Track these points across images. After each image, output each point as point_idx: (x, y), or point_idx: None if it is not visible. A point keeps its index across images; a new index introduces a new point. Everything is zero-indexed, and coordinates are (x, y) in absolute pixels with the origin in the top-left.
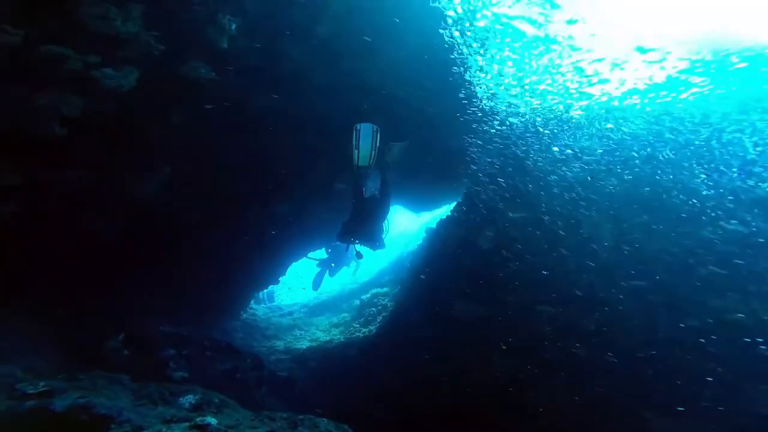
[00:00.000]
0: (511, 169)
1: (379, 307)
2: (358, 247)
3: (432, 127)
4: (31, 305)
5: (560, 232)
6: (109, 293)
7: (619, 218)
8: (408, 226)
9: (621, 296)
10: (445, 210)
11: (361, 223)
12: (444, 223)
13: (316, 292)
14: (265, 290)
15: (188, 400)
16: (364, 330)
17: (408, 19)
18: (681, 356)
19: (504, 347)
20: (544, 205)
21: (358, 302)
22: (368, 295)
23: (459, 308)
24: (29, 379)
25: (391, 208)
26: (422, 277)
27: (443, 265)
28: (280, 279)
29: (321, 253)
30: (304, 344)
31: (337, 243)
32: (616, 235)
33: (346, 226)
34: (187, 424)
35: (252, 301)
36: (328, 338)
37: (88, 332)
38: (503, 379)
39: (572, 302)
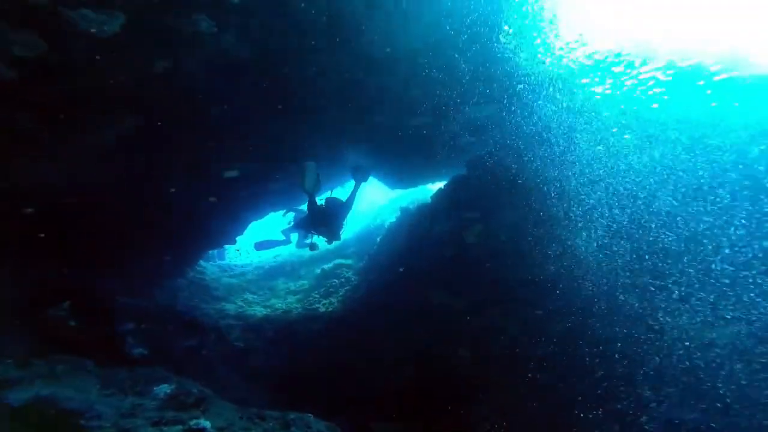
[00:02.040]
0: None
1: (342, 280)
2: (315, 239)
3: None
4: None
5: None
6: (50, 251)
7: None
8: (376, 199)
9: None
10: (421, 189)
11: (320, 223)
12: (428, 209)
13: (256, 252)
14: (214, 249)
15: (163, 390)
16: (324, 302)
17: None
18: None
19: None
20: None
21: (319, 271)
22: (331, 265)
23: (434, 298)
24: None
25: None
26: (401, 270)
27: (423, 253)
28: (237, 239)
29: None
30: (257, 311)
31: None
32: None
33: (305, 222)
34: (180, 427)
35: (201, 259)
36: (285, 307)
37: (26, 299)
38: (465, 368)
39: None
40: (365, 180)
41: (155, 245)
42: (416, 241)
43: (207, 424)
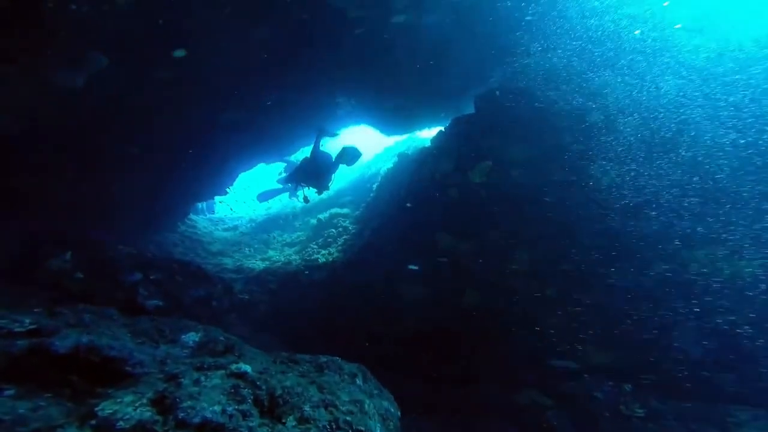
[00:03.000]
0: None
1: (340, 229)
2: (307, 192)
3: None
4: None
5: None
6: (36, 201)
7: None
8: (369, 145)
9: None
10: (417, 135)
11: (312, 174)
12: (430, 150)
13: (259, 203)
14: (203, 202)
15: (191, 338)
16: (323, 252)
17: None
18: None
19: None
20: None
21: (314, 221)
22: (327, 215)
23: (440, 241)
24: (5, 315)
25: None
26: (408, 205)
27: (427, 195)
28: (228, 189)
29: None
30: (257, 264)
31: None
32: None
33: (297, 174)
34: (222, 372)
35: (190, 213)
36: (283, 259)
37: (24, 250)
38: (472, 311)
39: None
40: (352, 162)
41: (142, 195)
42: (419, 184)
43: (247, 368)
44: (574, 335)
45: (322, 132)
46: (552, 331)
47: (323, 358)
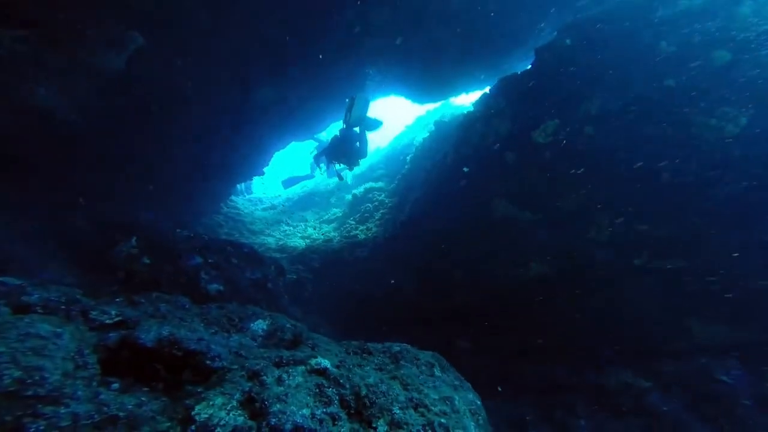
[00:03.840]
0: None
1: (376, 203)
2: (338, 167)
3: None
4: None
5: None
6: (92, 188)
7: None
8: (398, 117)
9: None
10: (451, 102)
11: (345, 150)
12: (477, 113)
13: (285, 189)
14: (243, 183)
15: (259, 326)
16: (361, 227)
17: None
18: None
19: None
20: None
21: (350, 197)
22: (361, 190)
23: (496, 210)
24: (95, 305)
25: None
26: (465, 170)
27: (479, 160)
28: (264, 169)
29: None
30: (298, 242)
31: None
32: None
33: (329, 152)
34: (302, 368)
35: (232, 194)
36: (323, 237)
37: (94, 237)
38: (536, 284)
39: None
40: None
41: (187, 177)
42: (467, 149)
43: (327, 363)
44: (674, 309)
45: (353, 101)
46: (639, 305)
47: (396, 347)
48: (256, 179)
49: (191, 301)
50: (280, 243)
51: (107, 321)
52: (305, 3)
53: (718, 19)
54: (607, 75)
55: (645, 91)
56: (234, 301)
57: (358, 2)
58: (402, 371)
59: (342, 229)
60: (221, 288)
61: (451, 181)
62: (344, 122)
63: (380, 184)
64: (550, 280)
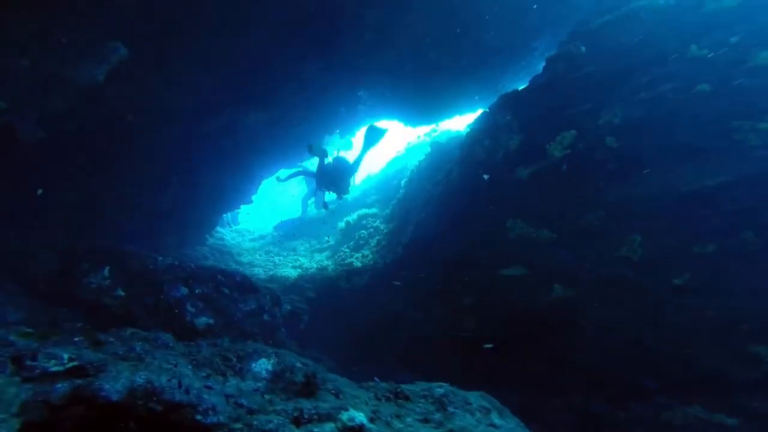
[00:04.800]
0: None
1: (371, 230)
2: (327, 197)
3: None
4: None
5: None
6: (63, 215)
7: None
8: (389, 145)
9: None
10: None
11: (329, 182)
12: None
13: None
14: (229, 212)
15: (262, 366)
16: (356, 255)
17: None
18: None
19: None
20: None
21: (342, 224)
22: (355, 217)
23: (511, 230)
24: (43, 347)
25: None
26: (485, 177)
27: (491, 179)
28: (252, 197)
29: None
30: (289, 272)
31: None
32: None
33: (317, 179)
34: (332, 425)
35: (218, 225)
36: (316, 266)
37: (60, 267)
38: (562, 308)
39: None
40: (376, 140)
41: (170, 207)
42: (472, 167)
43: (362, 417)
44: (726, 333)
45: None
46: (684, 331)
47: (438, 389)
48: (241, 209)
49: (175, 338)
50: (270, 273)
51: (55, 368)
52: (297, 23)
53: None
54: (629, 80)
55: (674, 96)
56: (226, 335)
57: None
58: (456, 422)
59: (336, 257)
60: (211, 321)
61: (457, 199)
62: (318, 170)
63: (374, 210)
64: (575, 303)
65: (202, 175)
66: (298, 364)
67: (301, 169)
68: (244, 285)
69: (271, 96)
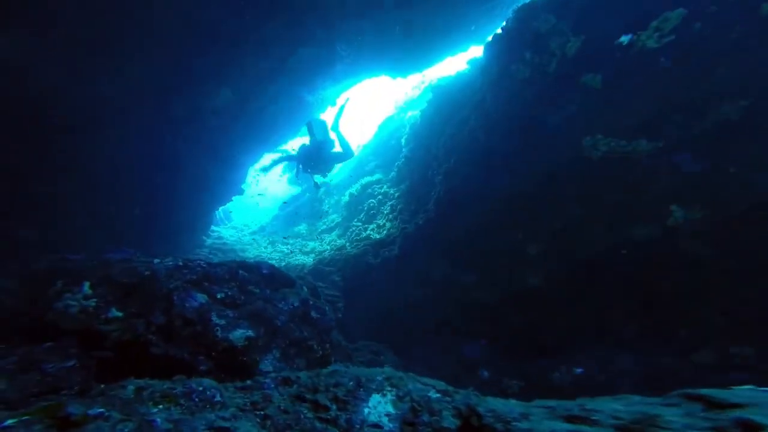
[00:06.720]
0: None
1: (379, 197)
2: (317, 179)
3: None
4: None
5: None
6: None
7: None
8: (376, 102)
9: None
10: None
11: (313, 162)
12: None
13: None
14: (221, 208)
15: (381, 409)
16: (371, 226)
17: None
18: None
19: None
20: None
21: (346, 198)
22: (358, 187)
23: (594, 146)
24: None
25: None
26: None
27: (523, 118)
28: (243, 187)
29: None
30: (302, 259)
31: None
32: None
33: (300, 160)
34: None
35: (213, 224)
36: (329, 247)
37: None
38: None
39: None
40: (340, 112)
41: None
42: (513, 87)
43: None
44: None
45: (311, 124)
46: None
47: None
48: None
49: (210, 363)
50: (282, 264)
51: None
52: None
53: None
54: None
55: None
56: (274, 347)
57: None
58: None
59: (349, 233)
60: (250, 333)
61: (504, 127)
62: (311, 143)
63: (377, 176)
64: (705, 231)
65: (180, 170)
66: (434, 395)
67: (283, 155)
68: (274, 277)
69: (230, 68)
